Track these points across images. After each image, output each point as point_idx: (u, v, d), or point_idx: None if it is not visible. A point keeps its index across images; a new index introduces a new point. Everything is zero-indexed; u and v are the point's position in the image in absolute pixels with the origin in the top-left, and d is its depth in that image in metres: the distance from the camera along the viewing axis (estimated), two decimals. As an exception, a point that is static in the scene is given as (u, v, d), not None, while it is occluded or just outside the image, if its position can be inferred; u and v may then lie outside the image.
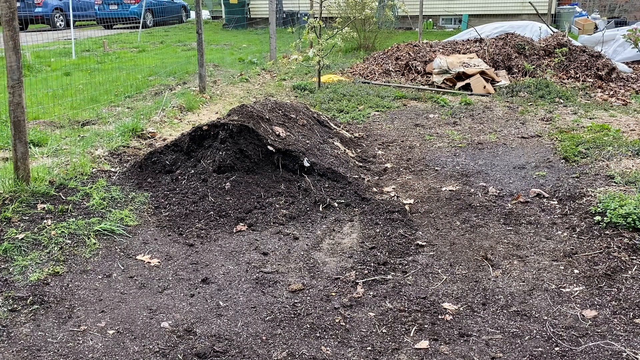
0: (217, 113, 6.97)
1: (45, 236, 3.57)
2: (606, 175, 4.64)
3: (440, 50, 10.18)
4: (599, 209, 3.89)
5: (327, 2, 10.45)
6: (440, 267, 3.35)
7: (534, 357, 2.53)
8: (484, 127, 6.48)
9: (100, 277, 3.24)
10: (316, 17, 8.32)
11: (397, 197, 4.41)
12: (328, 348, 2.61)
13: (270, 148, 4.44)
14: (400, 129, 6.45)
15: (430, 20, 18.40)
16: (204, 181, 4.30)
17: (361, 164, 5.15)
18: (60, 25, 20.05)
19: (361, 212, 4.07)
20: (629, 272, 3.22)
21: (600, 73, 9.03)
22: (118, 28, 20.64)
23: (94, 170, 4.68)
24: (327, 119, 6.05)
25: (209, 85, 8.45)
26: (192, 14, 23.59)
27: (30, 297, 2.97)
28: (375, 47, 13.04)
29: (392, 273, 3.28)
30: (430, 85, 8.93)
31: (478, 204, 4.23)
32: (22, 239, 3.52)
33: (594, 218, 3.83)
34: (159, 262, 3.40)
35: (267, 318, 2.84)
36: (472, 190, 4.52)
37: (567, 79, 9.04)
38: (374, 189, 4.50)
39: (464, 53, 9.81)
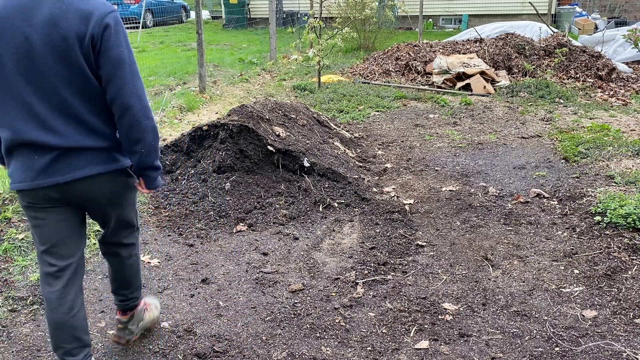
0: (217, 113, 6.97)
1: (45, 236, 3.57)
2: (606, 175, 4.64)
3: (440, 50, 10.18)
4: (599, 209, 3.89)
5: (327, 2, 10.45)
6: (440, 267, 3.35)
7: (534, 357, 2.53)
8: (484, 127, 6.48)
9: (100, 277, 3.24)
10: (316, 17, 8.32)
11: (397, 197, 4.41)
12: (328, 348, 2.61)
13: (270, 148, 4.44)
14: (400, 129, 6.45)
15: (430, 20, 18.40)
16: (203, 181, 4.30)
17: (361, 164, 5.15)
18: (60, 25, 20.01)
19: (361, 212, 4.07)
20: (629, 272, 3.22)
21: (600, 73, 9.03)
22: (118, 28, 20.60)
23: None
24: (327, 119, 6.05)
25: (209, 85, 8.45)
26: (192, 14, 23.59)
27: (30, 297, 2.97)
28: (375, 47, 13.04)
29: (392, 273, 3.28)
30: (430, 85, 8.93)
31: (478, 204, 4.23)
32: (22, 239, 3.52)
33: (594, 218, 3.83)
34: (159, 262, 3.40)
35: (267, 318, 2.84)
36: (472, 190, 4.52)
37: (567, 79, 9.04)
38: (374, 189, 4.50)
39: (464, 53, 9.81)
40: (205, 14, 23.19)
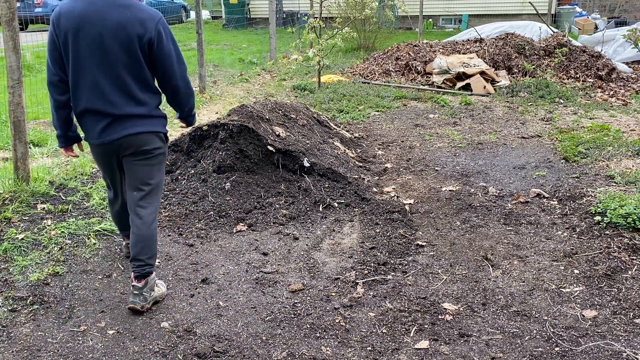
0: (217, 113, 6.97)
1: (45, 236, 3.57)
2: (606, 175, 4.64)
3: (440, 50, 10.18)
4: (599, 209, 3.89)
5: (327, 2, 10.45)
6: (440, 267, 3.35)
7: (534, 357, 2.53)
8: (484, 127, 6.48)
9: (100, 277, 3.24)
10: (316, 17, 8.32)
11: (397, 197, 4.41)
12: (328, 348, 2.61)
13: (270, 148, 4.44)
14: (400, 129, 6.45)
15: (430, 20, 18.39)
16: (204, 181, 4.30)
17: (361, 164, 5.15)
18: (60, 25, 19.98)
19: (361, 212, 4.07)
20: (629, 272, 3.22)
21: (600, 73, 9.03)
22: (118, 28, 20.58)
23: (94, 170, 4.68)
24: (327, 119, 6.05)
25: (208, 85, 8.45)
26: (192, 14, 23.58)
27: (30, 297, 2.97)
28: (375, 47, 13.04)
29: (392, 273, 3.28)
30: (430, 85, 8.93)
31: (478, 204, 4.23)
32: (22, 239, 3.52)
33: (594, 218, 3.83)
34: (159, 262, 3.40)
35: (267, 318, 2.84)
36: (472, 190, 4.52)
37: (567, 79, 9.04)
38: (374, 189, 4.50)
39: (464, 53, 9.81)
40: (205, 14, 23.18)
